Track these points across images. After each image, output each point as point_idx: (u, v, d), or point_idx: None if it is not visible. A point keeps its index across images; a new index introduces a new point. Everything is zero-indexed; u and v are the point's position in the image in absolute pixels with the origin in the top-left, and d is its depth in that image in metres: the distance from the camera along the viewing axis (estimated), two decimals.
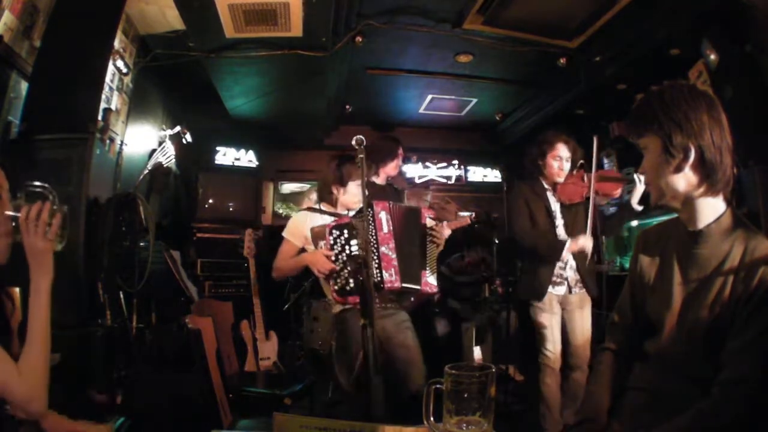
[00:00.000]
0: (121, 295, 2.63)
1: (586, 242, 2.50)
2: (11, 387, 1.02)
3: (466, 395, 0.82)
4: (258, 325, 3.64)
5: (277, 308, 3.92)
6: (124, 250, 2.68)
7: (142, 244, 2.78)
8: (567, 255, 2.55)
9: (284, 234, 2.46)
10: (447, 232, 3.11)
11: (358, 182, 2.38)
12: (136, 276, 2.64)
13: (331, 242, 2.24)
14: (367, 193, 2.01)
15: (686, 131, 1.07)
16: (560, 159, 2.61)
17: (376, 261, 2.18)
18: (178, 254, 3.43)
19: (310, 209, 2.50)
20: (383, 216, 2.26)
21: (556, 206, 2.68)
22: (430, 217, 2.50)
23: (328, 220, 2.37)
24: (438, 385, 0.86)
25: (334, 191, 2.46)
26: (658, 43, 3.39)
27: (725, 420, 0.99)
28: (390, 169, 3.18)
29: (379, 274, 2.18)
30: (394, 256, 2.22)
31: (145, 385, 2.44)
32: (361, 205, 2.40)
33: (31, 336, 1.06)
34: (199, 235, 4.41)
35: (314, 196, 2.70)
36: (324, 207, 2.51)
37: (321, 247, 2.28)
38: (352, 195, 2.43)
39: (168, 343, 2.71)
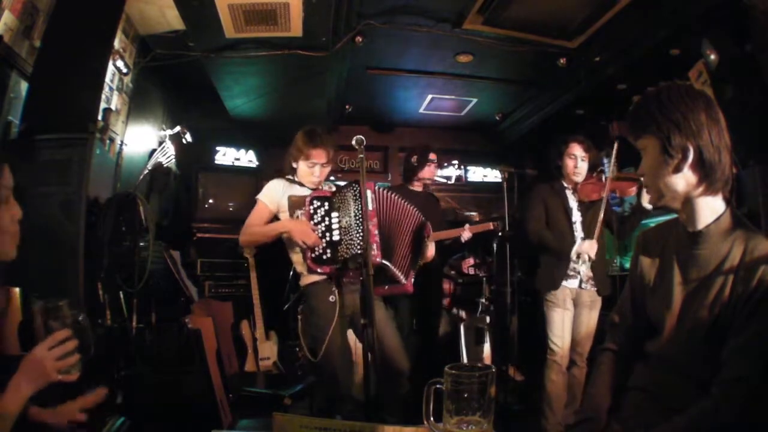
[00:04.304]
0: (121, 295, 2.63)
1: (589, 248, 2.57)
2: None
3: (466, 395, 0.82)
4: (258, 325, 3.65)
5: (277, 308, 3.92)
6: (124, 250, 2.68)
7: (142, 244, 2.78)
8: (573, 254, 2.63)
9: (260, 197, 2.39)
10: (467, 234, 3.14)
11: (310, 163, 2.39)
12: (136, 276, 2.65)
13: (311, 212, 2.23)
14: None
15: (684, 131, 1.07)
16: (575, 157, 2.72)
17: (360, 235, 2.13)
18: (178, 254, 3.44)
19: (287, 179, 2.46)
20: (369, 195, 2.22)
21: (573, 204, 2.76)
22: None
23: (303, 192, 2.35)
24: (438, 385, 0.86)
25: (293, 165, 2.43)
26: (658, 43, 3.38)
27: (725, 419, 0.99)
28: (425, 174, 3.28)
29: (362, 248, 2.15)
30: (376, 232, 2.20)
31: (145, 385, 2.45)
32: (327, 183, 2.49)
33: None
34: (199, 235, 4.41)
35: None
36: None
37: (298, 217, 2.27)
38: (302, 173, 2.41)
39: (168, 343, 2.72)
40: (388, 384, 2.29)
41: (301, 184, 2.43)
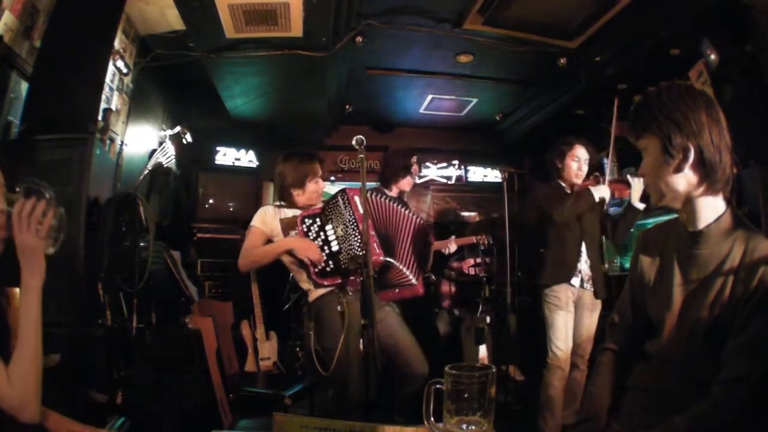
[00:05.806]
0: (121, 295, 2.63)
1: (605, 190, 2.53)
2: (1, 393, 0.96)
3: (466, 395, 0.82)
4: (258, 325, 3.64)
5: (277, 308, 3.92)
6: (124, 250, 2.68)
7: (142, 244, 2.78)
8: (581, 248, 2.62)
9: (253, 223, 2.39)
10: (453, 246, 3.12)
11: (316, 179, 2.43)
12: (136, 276, 2.64)
13: (305, 230, 2.26)
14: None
15: (685, 131, 1.07)
16: (579, 160, 2.68)
17: (358, 238, 2.16)
18: (178, 254, 3.43)
19: (275, 205, 2.46)
20: (357, 199, 2.25)
21: None
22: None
23: (293, 213, 2.36)
24: (438, 385, 0.86)
25: (294, 193, 2.42)
26: (658, 43, 3.39)
27: (725, 419, 0.99)
28: (403, 185, 3.13)
29: (362, 249, 2.15)
30: (373, 233, 2.20)
31: (145, 385, 2.45)
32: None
33: (22, 339, 0.99)
34: (199, 235, 4.41)
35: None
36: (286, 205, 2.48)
37: (293, 236, 2.30)
38: (311, 193, 2.43)
39: (168, 343, 2.72)
40: (407, 387, 2.31)
41: (289, 207, 2.43)
